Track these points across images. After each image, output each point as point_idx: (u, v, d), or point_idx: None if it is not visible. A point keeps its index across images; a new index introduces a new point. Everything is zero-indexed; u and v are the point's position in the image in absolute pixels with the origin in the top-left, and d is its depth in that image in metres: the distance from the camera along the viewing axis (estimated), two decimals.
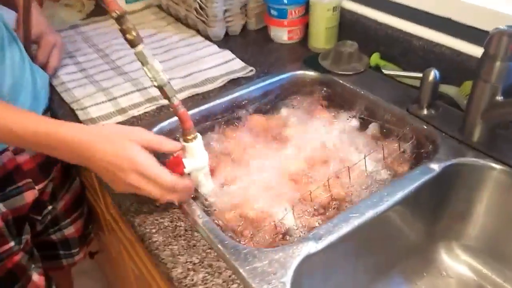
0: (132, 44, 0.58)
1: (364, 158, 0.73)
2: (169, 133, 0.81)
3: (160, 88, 0.61)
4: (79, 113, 0.83)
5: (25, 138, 0.59)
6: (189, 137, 0.63)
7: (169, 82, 0.61)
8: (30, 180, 0.81)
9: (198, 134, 0.64)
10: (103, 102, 0.86)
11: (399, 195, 0.66)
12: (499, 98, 0.68)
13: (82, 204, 1.00)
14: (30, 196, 0.81)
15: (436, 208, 0.74)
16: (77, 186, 0.97)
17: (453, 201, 0.74)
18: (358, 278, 0.71)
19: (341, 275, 0.67)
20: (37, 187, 0.83)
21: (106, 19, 1.24)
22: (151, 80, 0.60)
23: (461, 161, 0.71)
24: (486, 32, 0.78)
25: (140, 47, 0.58)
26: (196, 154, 0.64)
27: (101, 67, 0.98)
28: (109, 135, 0.59)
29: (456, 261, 0.78)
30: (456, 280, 0.76)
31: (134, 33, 0.57)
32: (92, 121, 0.81)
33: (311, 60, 0.99)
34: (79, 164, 0.63)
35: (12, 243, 0.78)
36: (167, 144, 0.63)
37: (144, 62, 0.59)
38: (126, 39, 0.58)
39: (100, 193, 0.93)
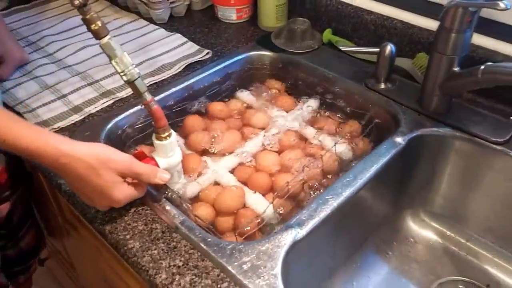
0: (97, 35, 0.54)
1: (335, 145, 0.74)
2: (129, 129, 0.76)
3: (131, 83, 0.57)
4: (28, 116, 0.75)
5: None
6: (163, 135, 0.60)
7: (139, 77, 0.57)
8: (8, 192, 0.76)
9: (172, 131, 0.61)
10: (52, 101, 0.78)
11: (371, 171, 0.66)
12: (456, 69, 0.70)
13: (33, 210, 0.93)
14: (4, 209, 0.76)
15: (403, 179, 0.77)
16: (26, 192, 0.90)
17: (418, 171, 0.77)
18: (337, 256, 0.73)
19: (322, 256, 0.68)
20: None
21: (31, 7, 1.13)
22: (120, 75, 0.56)
23: (424, 132, 0.73)
24: (436, 4, 0.81)
25: (106, 39, 0.54)
26: (170, 152, 0.61)
27: (38, 62, 0.89)
28: (93, 164, 0.53)
29: (422, 227, 0.81)
30: (423, 244, 0.80)
31: (99, 23, 0.53)
32: (45, 123, 0.74)
33: (264, 39, 0.97)
34: None
35: None
36: (155, 178, 0.59)
37: (111, 55, 0.55)
38: (90, 30, 0.53)
39: (52, 197, 0.87)
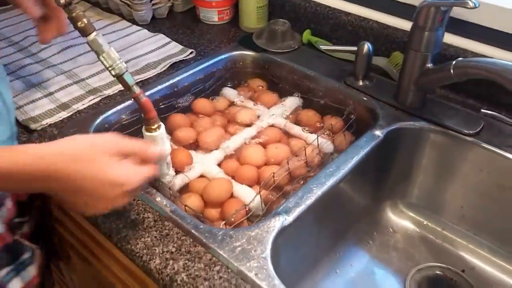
0: (84, 32, 0.55)
1: (317, 139, 0.77)
2: (116, 125, 0.78)
3: (119, 77, 0.58)
4: (16, 113, 0.75)
5: None
6: (153, 127, 0.61)
7: (127, 70, 0.58)
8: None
9: (162, 123, 0.62)
10: (39, 98, 0.79)
11: (353, 162, 0.70)
12: (429, 65, 0.74)
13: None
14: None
15: (382, 171, 0.80)
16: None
17: (396, 163, 0.80)
18: (321, 244, 0.75)
19: (308, 244, 0.71)
20: None
21: (12, 7, 1.12)
22: (109, 70, 0.57)
23: (401, 125, 0.77)
24: (409, 5, 0.86)
25: (93, 35, 0.55)
26: (159, 144, 0.63)
27: (22, 62, 0.89)
28: (78, 152, 0.48)
29: (400, 218, 0.85)
30: (402, 234, 0.84)
31: (85, 21, 0.54)
32: (33, 120, 0.74)
33: (246, 40, 0.99)
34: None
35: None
36: (148, 149, 0.55)
37: (99, 51, 0.56)
38: (76, 28, 0.55)
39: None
